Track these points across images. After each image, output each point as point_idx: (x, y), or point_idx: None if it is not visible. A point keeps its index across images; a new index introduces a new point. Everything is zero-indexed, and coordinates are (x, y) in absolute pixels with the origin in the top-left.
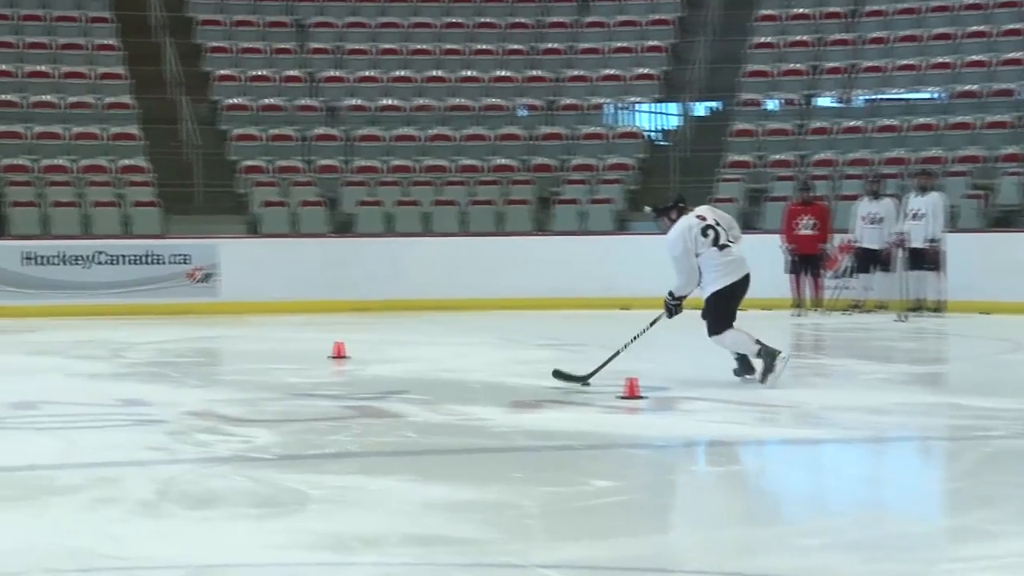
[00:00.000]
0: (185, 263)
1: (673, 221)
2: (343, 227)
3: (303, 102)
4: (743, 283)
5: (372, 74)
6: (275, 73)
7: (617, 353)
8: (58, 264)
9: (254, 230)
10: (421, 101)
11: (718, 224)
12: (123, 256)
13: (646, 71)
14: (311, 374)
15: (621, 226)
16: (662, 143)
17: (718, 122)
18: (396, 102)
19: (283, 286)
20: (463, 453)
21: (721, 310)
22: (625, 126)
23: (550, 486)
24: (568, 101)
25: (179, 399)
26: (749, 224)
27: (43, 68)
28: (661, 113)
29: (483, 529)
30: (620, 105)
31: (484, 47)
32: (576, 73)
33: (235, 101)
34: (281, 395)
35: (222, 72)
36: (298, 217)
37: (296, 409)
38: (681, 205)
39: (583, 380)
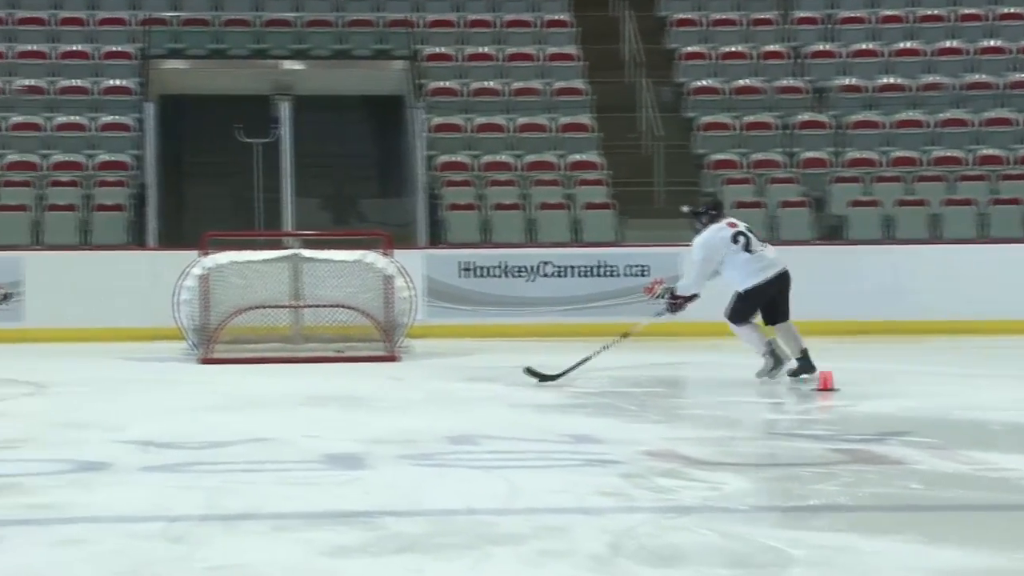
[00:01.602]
0: (643, 275)
1: (704, 226)
2: (832, 232)
3: (785, 83)
4: (776, 281)
5: (869, 47)
6: (751, 49)
7: (597, 353)
8: (499, 276)
9: None
10: (930, 79)
11: (749, 231)
12: (572, 268)
13: None
14: (791, 409)
15: None
16: None
17: None
18: (898, 80)
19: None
20: (981, 510)
21: (744, 305)
22: None
23: None
24: None
25: (636, 436)
26: None
27: (486, 50)
28: None
29: None
30: None
31: (1009, 10)
32: None
33: (703, 83)
34: (755, 434)
35: (689, 49)
36: (777, 220)
37: (774, 451)
38: (713, 212)
39: (553, 378)
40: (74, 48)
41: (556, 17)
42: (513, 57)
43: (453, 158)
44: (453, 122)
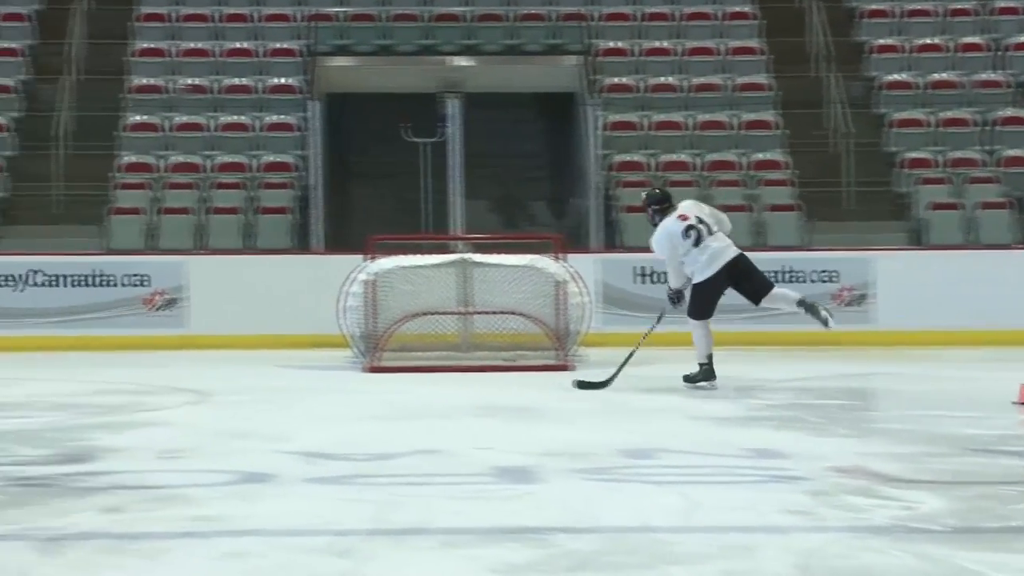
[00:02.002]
0: (831, 281)
1: (658, 219)
2: None
3: (984, 76)
4: (726, 271)
5: None
6: (948, 41)
7: (632, 353)
8: None
9: (917, 240)
10: None
11: (700, 222)
12: None
13: None
14: (993, 424)
15: None
16: None
17: None
18: None
19: (949, 310)
20: None
21: (698, 299)
22: None
23: None
24: None
25: (822, 451)
26: None
27: (664, 44)
28: None
29: None
30: None
31: None
32: None
33: (896, 77)
34: (953, 450)
35: (880, 42)
36: (975, 222)
37: (973, 468)
38: (662, 206)
39: (604, 385)
40: (239, 46)
41: (738, 9)
42: (693, 51)
43: (629, 157)
44: (629, 120)
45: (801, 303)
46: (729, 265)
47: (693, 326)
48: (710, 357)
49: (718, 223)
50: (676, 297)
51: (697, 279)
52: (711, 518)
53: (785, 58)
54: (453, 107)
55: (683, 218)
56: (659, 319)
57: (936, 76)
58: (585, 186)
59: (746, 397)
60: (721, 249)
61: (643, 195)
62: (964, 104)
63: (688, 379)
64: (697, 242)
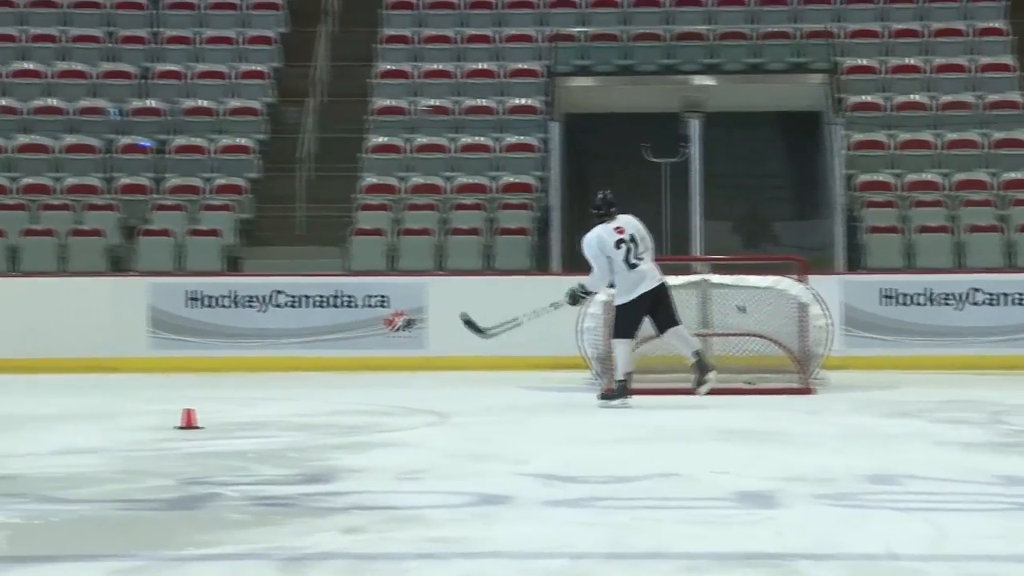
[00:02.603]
0: None
1: (596, 222)
2: None
3: None
4: (648, 297)
5: None
6: None
7: (518, 323)
8: (923, 304)
9: None
10: None
11: (632, 240)
12: (1004, 295)
13: None
14: None
15: None
16: None
17: None
18: None
19: None
20: None
21: (621, 320)
22: None
23: None
24: None
25: None
26: None
27: (911, 61)
28: None
29: None
30: None
31: None
32: None
33: None
34: None
35: None
36: None
37: None
38: (601, 211)
39: (484, 333)
40: (480, 66)
41: (990, 25)
42: (942, 68)
43: (875, 177)
44: (875, 139)
45: (697, 355)
46: (651, 292)
47: (615, 343)
48: (629, 375)
49: (647, 249)
50: (579, 295)
51: (620, 300)
52: (960, 547)
53: None
54: (695, 127)
55: (619, 230)
56: (554, 306)
57: None
58: (829, 207)
59: (995, 423)
60: (647, 273)
61: (595, 198)
62: None
63: (603, 397)
64: (627, 259)
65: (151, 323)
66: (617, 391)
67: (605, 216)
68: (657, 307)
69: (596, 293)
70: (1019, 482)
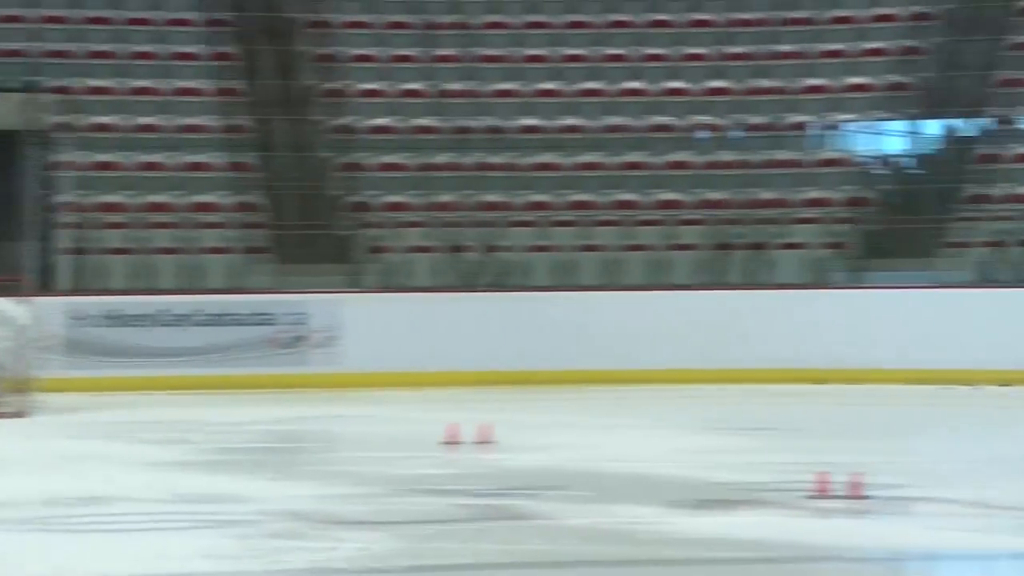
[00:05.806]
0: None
1: None
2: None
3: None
4: None
5: None
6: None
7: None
8: (149, 326)
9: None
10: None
11: None
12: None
13: None
14: (418, 464)
15: None
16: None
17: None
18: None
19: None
20: (605, 566)
21: None
22: None
23: None
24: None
25: (253, 494)
26: None
27: (149, 84)
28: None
29: None
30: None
31: (695, 51)
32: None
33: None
34: (382, 490)
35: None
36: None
37: (401, 507)
38: None
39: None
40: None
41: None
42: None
43: (108, 198)
44: (112, 160)
45: None
46: None
47: None
48: None
49: None
50: None
51: None
52: (129, 566)
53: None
54: None
55: None
56: None
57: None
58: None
59: (183, 442)
60: None
61: None
62: None
63: None
64: None
65: None
66: None
67: None
68: None
69: None
70: (203, 499)
